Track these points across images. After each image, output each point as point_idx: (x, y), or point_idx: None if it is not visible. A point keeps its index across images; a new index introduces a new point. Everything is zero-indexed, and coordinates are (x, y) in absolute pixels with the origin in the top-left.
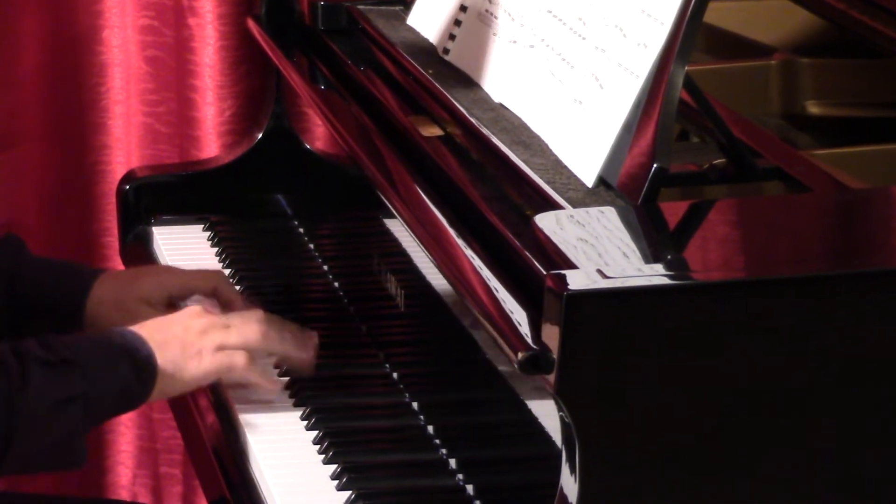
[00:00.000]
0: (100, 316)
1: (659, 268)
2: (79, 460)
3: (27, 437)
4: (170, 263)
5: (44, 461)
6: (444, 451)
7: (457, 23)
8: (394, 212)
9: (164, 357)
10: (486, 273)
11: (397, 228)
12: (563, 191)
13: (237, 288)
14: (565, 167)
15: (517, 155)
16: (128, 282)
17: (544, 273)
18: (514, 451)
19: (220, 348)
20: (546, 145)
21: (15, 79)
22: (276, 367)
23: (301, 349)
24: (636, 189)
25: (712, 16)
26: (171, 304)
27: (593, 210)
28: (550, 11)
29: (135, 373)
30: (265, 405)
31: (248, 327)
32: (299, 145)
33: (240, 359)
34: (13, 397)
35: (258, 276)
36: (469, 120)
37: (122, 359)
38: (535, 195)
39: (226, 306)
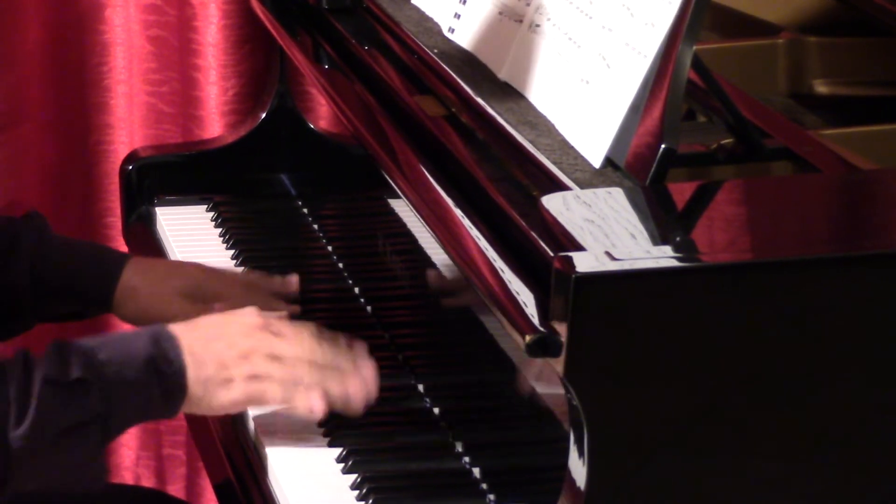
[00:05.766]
0: (131, 303)
1: (667, 249)
2: (97, 482)
3: (29, 469)
4: (174, 244)
5: (59, 486)
6: (449, 433)
7: (462, 1)
8: (398, 192)
9: (198, 375)
10: (492, 254)
11: (402, 209)
12: (570, 171)
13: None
14: (572, 147)
15: (523, 135)
16: (164, 275)
17: (552, 255)
18: (521, 433)
19: (255, 378)
20: (553, 125)
21: (17, 58)
22: None
23: (361, 387)
24: (644, 169)
25: None
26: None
27: (601, 191)
28: None
29: (161, 389)
30: None
31: (297, 365)
32: (303, 125)
33: (271, 393)
34: (7, 432)
35: (262, 257)
36: (475, 100)
37: (148, 374)
38: (542, 176)
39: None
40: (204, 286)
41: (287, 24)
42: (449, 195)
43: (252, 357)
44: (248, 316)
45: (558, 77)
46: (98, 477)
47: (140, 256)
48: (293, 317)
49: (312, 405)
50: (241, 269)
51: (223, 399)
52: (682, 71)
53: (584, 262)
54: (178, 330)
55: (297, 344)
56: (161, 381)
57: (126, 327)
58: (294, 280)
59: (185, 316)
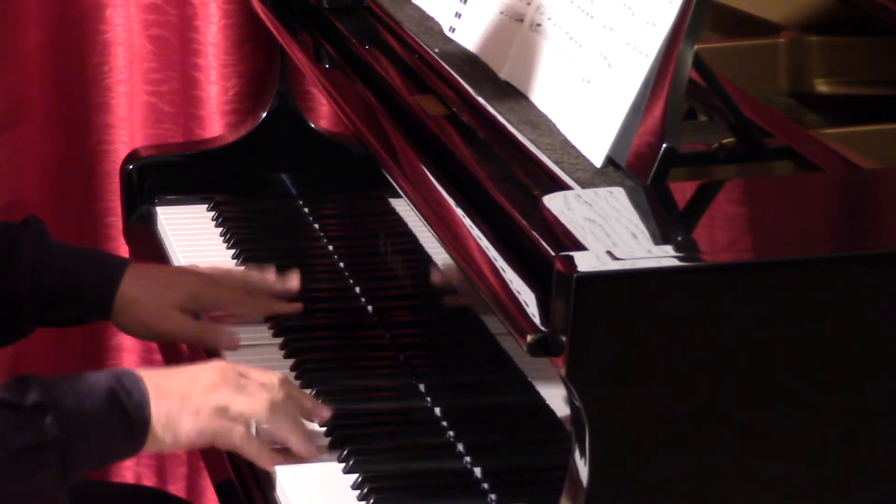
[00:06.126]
0: (129, 314)
1: (668, 249)
2: None
3: None
4: (174, 244)
5: None
6: (451, 433)
7: (463, 1)
8: (399, 191)
9: (160, 407)
10: (493, 253)
11: (403, 208)
12: (571, 171)
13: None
14: (573, 147)
15: (524, 135)
16: (163, 287)
17: (553, 254)
18: (523, 433)
19: (221, 412)
20: (554, 125)
21: (17, 57)
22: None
23: (304, 443)
24: (645, 169)
25: None
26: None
27: (602, 190)
28: None
29: (122, 420)
30: None
31: (259, 398)
32: (304, 124)
33: (238, 431)
34: None
35: (263, 257)
36: (475, 99)
37: (110, 407)
38: (543, 175)
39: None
40: (203, 296)
41: (288, 24)
42: (450, 195)
43: (217, 389)
44: (218, 363)
45: (559, 76)
46: None
47: (139, 263)
48: (295, 315)
49: (270, 464)
50: (241, 267)
51: (188, 427)
52: (684, 70)
53: (586, 262)
54: (140, 370)
55: (265, 379)
56: (123, 413)
57: (125, 338)
58: (294, 278)
59: (183, 328)
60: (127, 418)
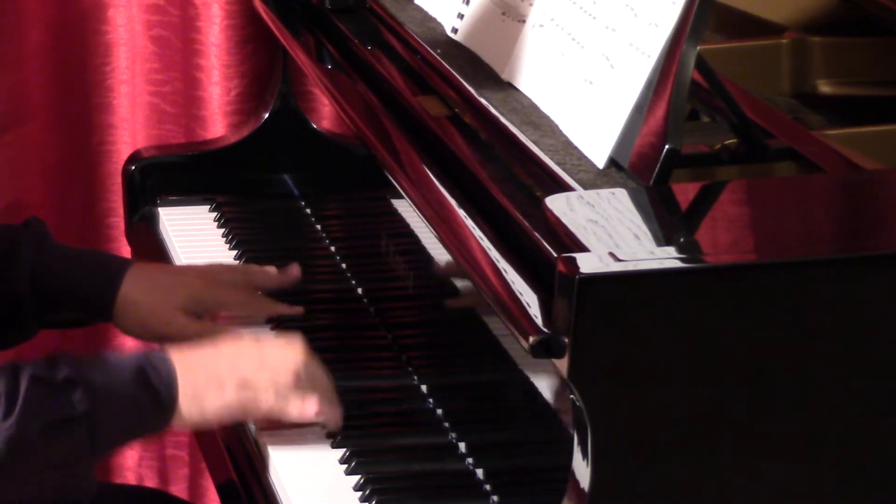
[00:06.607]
0: (131, 316)
1: (671, 250)
2: (85, 488)
3: (17, 466)
4: (176, 245)
5: (45, 488)
6: (453, 434)
7: (466, 1)
8: (402, 192)
9: (187, 383)
10: (496, 254)
11: (405, 209)
12: (573, 172)
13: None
14: (576, 148)
15: (527, 136)
16: (165, 289)
17: (555, 255)
18: (525, 434)
19: (245, 384)
20: (556, 126)
21: (19, 58)
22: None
23: (330, 406)
24: (648, 170)
25: None
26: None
27: (604, 191)
28: None
29: (150, 395)
30: None
31: (282, 370)
32: (306, 125)
33: (264, 399)
34: None
35: (265, 258)
36: (478, 100)
37: (137, 383)
38: (546, 176)
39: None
40: (205, 298)
41: (290, 24)
42: (452, 195)
43: (241, 363)
44: (237, 336)
45: (561, 77)
46: (84, 485)
47: (141, 263)
48: (297, 319)
49: (305, 409)
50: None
51: (215, 404)
52: (686, 71)
53: (588, 263)
54: (168, 348)
55: (286, 348)
56: (151, 389)
57: (127, 340)
58: (294, 270)
59: (185, 331)
60: (155, 394)
